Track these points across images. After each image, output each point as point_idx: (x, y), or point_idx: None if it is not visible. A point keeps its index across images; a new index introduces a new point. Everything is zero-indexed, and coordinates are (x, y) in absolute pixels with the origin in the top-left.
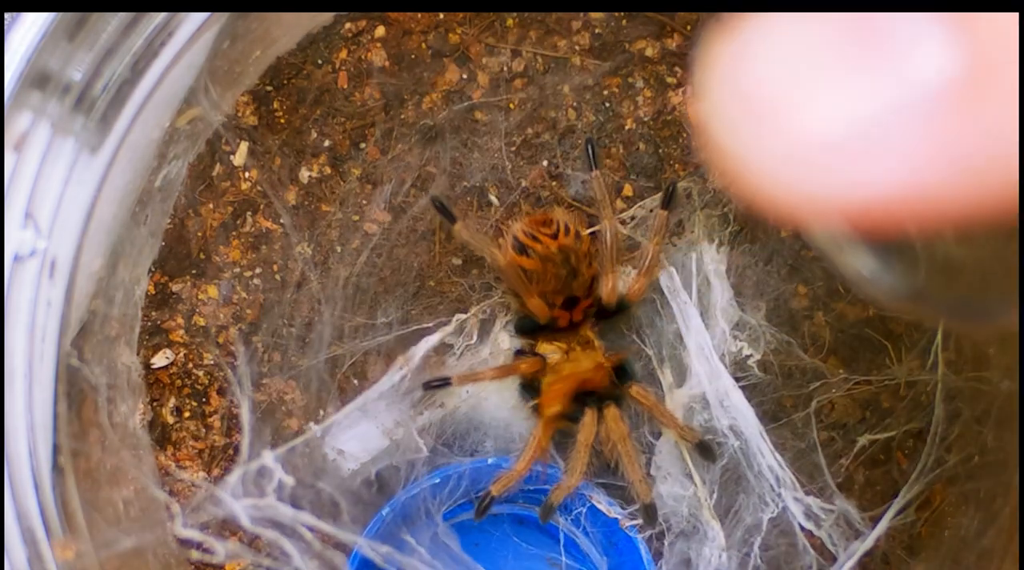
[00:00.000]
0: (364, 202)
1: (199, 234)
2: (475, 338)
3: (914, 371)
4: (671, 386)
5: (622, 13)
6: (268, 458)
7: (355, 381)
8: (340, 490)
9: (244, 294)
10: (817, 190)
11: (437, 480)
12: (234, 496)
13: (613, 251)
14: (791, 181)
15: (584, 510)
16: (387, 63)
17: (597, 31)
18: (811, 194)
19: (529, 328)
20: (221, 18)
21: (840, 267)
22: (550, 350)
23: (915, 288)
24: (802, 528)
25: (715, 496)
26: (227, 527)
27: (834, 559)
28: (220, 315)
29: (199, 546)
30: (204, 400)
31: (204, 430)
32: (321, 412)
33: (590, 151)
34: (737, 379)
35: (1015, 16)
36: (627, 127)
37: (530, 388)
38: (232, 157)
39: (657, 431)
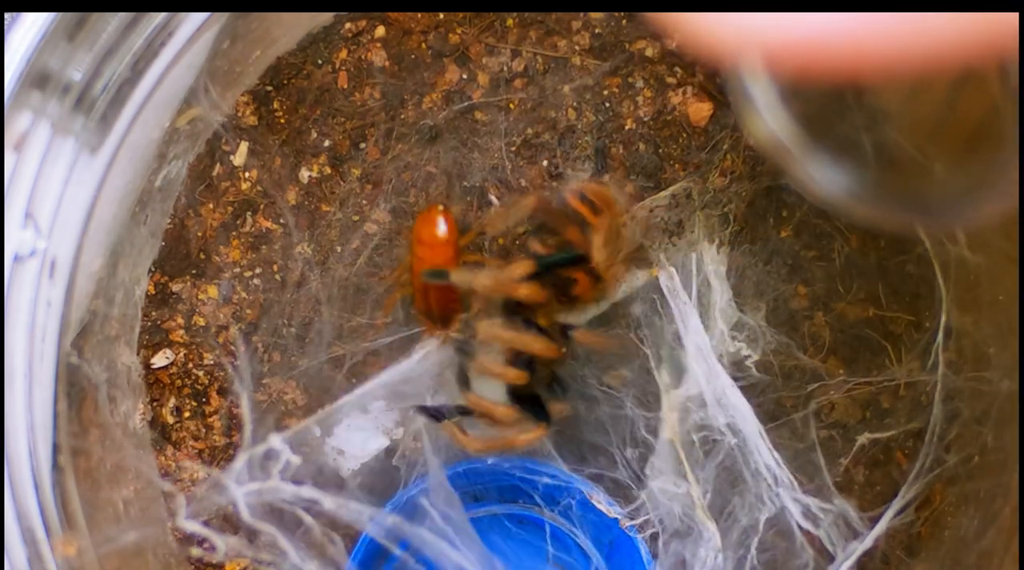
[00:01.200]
0: (364, 202)
1: (199, 234)
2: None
3: (914, 371)
4: (668, 387)
5: (622, 13)
6: (275, 440)
7: (356, 382)
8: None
9: (244, 294)
10: (763, 25)
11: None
12: (239, 483)
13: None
14: (736, 17)
15: (577, 508)
16: (387, 63)
17: (597, 31)
18: (757, 28)
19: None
20: (221, 18)
21: (790, 171)
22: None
23: (869, 186)
24: (800, 527)
25: (708, 496)
26: (228, 522)
27: (832, 559)
28: (220, 315)
29: (200, 543)
30: (204, 400)
31: (204, 430)
32: (321, 412)
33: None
34: (736, 379)
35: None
36: (627, 127)
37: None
38: (232, 157)
39: (654, 429)
